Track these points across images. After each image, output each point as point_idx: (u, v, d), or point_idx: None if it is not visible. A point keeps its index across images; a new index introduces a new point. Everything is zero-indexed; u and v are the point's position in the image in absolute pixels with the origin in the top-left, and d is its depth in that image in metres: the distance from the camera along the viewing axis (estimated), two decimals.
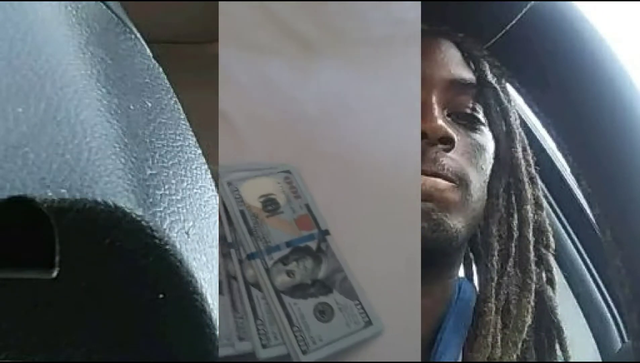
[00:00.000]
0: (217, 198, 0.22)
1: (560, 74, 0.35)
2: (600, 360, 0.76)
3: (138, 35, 0.24)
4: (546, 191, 0.73)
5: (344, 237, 0.47)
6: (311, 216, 0.46)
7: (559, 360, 0.51)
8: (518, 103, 0.54)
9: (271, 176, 0.47)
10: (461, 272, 0.55)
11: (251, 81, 0.48)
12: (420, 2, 0.46)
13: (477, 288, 0.53)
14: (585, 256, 0.81)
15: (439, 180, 0.47)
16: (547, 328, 0.51)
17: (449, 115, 0.50)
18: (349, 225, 0.48)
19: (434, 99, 0.49)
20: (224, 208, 0.45)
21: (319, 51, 0.47)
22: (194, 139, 0.22)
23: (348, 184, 0.48)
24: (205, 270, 0.18)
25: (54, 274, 0.16)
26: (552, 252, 0.52)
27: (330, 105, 0.47)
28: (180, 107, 0.23)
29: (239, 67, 0.49)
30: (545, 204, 0.54)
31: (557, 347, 0.51)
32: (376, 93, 0.48)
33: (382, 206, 0.49)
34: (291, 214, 0.45)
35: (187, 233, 0.18)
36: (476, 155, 0.50)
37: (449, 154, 0.48)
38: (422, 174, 0.47)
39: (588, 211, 0.62)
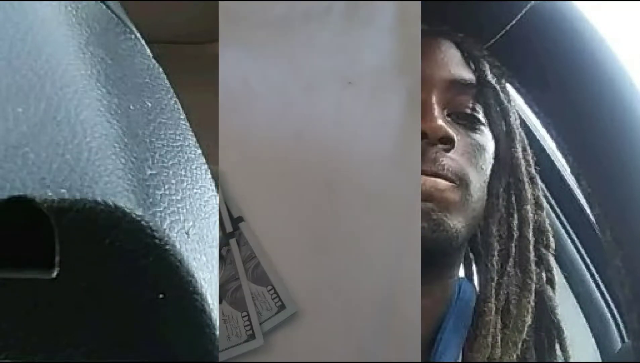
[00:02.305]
0: (217, 198, 0.22)
1: (560, 74, 0.35)
2: (600, 360, 0.76)
3: (138, 35, 0.24)
4: (546, 191, 0.73)
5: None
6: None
7: (559, 360, 0.51)
8: (518, 103, 0.54)
9: None
10: (461, 272, 0.55)
11: None
12: (420, 2, 0.46)
13: (477, 288, 0.53)
14: (585, 256, 0.81)
15: (439, 180, 0.47)
16: (547, 328, 0.51)
17: (449, 115, 0.50)
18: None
19: (434, 99, 0.49)
20: None
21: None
22: (194, 139, 0.22)
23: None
24: (205, 270, 0.18)
25: (54, 274, 0.16)
26: (552, 252, 0.52)
27: (237, 91, 0.47)
28: (180, 107, 0.23)
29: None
30: (545, 204, 0.54)
31: (557, 347, 0.51)
32: (278, 74, 0.48)
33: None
34: None
35: (187, 233, 0.18)
36: (476, 155, 0.50)
37: (449, 154, 0.48)
38: (422, 174, 0.47)
39: (588, 211, 0.62)
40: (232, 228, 0.46)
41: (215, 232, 0.20)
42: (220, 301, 0.43)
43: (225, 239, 0.46)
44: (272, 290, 0.44)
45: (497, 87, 0.52)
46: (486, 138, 0.52)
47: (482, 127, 0.52)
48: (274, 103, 0.47)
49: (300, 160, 0.47)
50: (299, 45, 0.48)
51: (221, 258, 0.45)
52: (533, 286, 0.50)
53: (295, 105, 0.47)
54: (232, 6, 0.47)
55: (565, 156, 0.36)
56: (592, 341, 0.78)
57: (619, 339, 0.77)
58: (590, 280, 0.80)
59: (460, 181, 0.48)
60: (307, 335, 0.45)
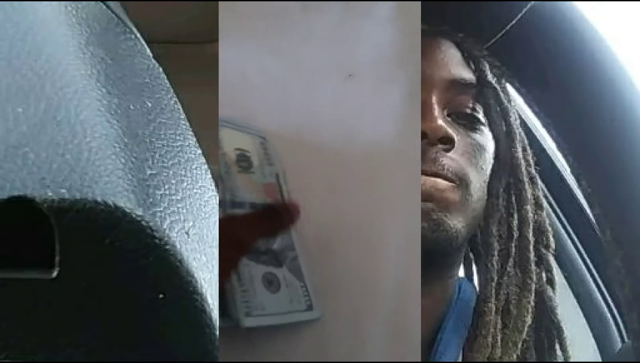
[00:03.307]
0: (217, 198, 0.22)
1: (560, 74, 0.35)
2: (600, 360, 0.76)
3: (138, 35, 0.24)
4: (546, 191, 0.73)
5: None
6: (279, 186, 0.45)
7: (559, 360, 0.51)
8: (518, 103, 0.54)
9: (249, 135, 0.46)
10: (461, 272, 0.55)
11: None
12: (420, 2, 0.46)
13: (477, 288, 0.53)
14: (585, 256, 0.81)
15: (439, 180, 0.47)
16: (547, 328, 0.51)
17: (449, 115, 0.50)
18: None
19: (434, 99, 0.49)
20: None
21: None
22: (194, 139, 0.22)
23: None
24: (205, 270, 0.18)
25: (54, 274, 0.16)
26: (552, 252, 0.53)
27: (235, 84, 0.47)
28: (180, 107, 0.23)
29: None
30: (545, 204, 0.54)
31: (557, 347, 0.51)
32: (277, 66, 0.48)
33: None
34: (262, 178, 0.44)
35: (187, 233, 0.18)
36: (476, 155, 0.50)
37: (449, 154, 0.48)
38: (422, 174, 0.47)
39: (588, 211, 0.62)
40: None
41: (215, 232, 0.20)
42: (280, 265, 0.43)
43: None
44: (305, 288, 0.44)
45: (497, 87, 0.52)
46: (486, 138, 0.52)
47: (482, 127, 0.52)
48: (273, 96, 0.47)
49: (300, 155, 0.47)
50: (298, 36, 0.48)
51: None
52: (533, 286, 0.50)
53: (295, 98, 0.47)
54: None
55: (565, 156, 0.36)
56: (592, 341, 0.78)
57: (619, 339, 0.77)
58: (590, 280, 0.80)
59: (460, 181, 0.48)
60: (307, 335, 0.45)
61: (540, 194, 0.54)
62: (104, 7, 0.23)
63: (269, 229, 0.43)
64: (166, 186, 0.19)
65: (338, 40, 0.48)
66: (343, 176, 0.47)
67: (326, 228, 0.46)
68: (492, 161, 0.52)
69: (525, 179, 0.52)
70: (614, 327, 0.78)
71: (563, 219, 0.81)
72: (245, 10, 0.47)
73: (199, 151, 0.22)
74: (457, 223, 0.48)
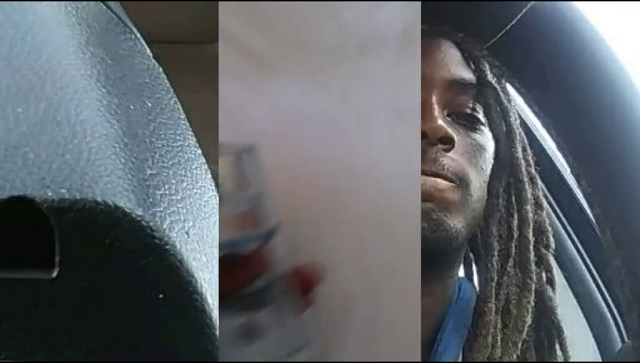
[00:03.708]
0: (217, 197, 0.22)
1: (560, 74, 0.35)
2: (600, 360, 0.76)
3: (138, 35, 0.24)
4: (546, 191, 0.73)
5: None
6: (257, 212, 0.39)
7: (559, 360, 0.51)
8: (518, 103, 0.54)
9: (220, 157, 0.39)
10: (461, 272, 0.55)
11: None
12: (420, 2, 0.46)
13: (477, 288, 0.53)
14: (585, 256, 0.81)
15: (439, 180, 0.47)
16: (547, 328, 0.51)
17: (449, 115, 0.50)
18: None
19: (434, 99, 0.49)
20: None
21: (273, 66, 0.47)
22: (194, 139, 0.22)
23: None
24: (205, 270, 0.18)
25: (54, 274, 0.16)
26: (552, 252, 0.53)
27: (289, 119, 0.47)
28: (180, 107, 0.23)
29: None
30: (545, 204, 0.54)
31: (557, 347, 0.51)
32: (331, 103, 0.48)
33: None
34: (235, 207, 0.38)
35: (187, 233, 0.18)
36: (476, 155, 0.50)
37: (449, 154, 0.48)
38: (422, 174, 0.47)
39: (588, 211, 0.62)
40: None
41: (215, 232, 0.20)
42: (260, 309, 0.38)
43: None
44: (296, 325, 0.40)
45: (497, 87, 0.52)
46: (486, 138, 0.52)
47: (482, 127, 0.52)
48: (324, 134, 0.46)
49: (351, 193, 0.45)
50: (352, 76, 0.47)
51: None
52: (533, 286, 0.50)
53: (346, 137, 0.46)
54: (287, 33, 0.46)
55: (565, 156, 0.36)
56: (592, 341, 0.78)
57: (619, 339, 0.77)
58: (590, 280, 0.81)
59: (460, 181, 0.48)
60: None
61: (540, 194, 0.54)
62: (104, 7, 0.23)
63: (245, 278, 0.38)
64: (166, 186, 0.19)
65: (391, 81, 0.47)
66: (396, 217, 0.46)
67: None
68: (492, 161, 0.52)
69: (525, 179, 0.52)
70: (614, 327, 0.78)
71: (563, 219, 0.81)
72: (302, 47, 0.47)
73: (199, 151, 0.22)
74: (457, 223, 0.48)
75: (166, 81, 0.23)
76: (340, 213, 0.46)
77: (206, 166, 0.22)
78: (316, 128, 0.46)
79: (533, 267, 0.50)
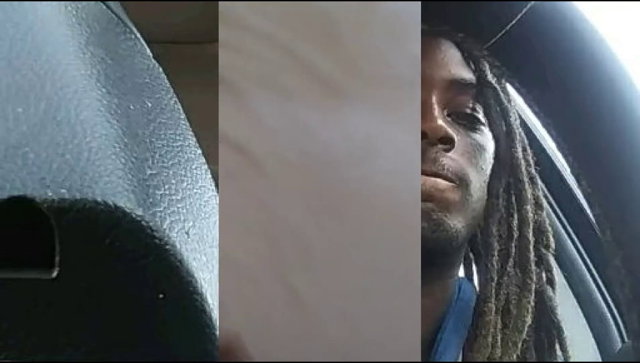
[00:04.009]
0: (217, 197, 0.22)
1: (560, 74, 0.35)
2: (600, 360, 0.76)
3: (138, 35, 0.24)
4: (546, 191, 0.73)
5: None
6: None
7: (559, 360, 0.51)
8: (518, 103, 0.54)
9: None
10: (461, 272, 0.55)
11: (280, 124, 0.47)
12: (420, 2, 0.46)
13: (477, 288, 0.53)
14: (585, 256, 0.81)
15: (439, 180, 0.47)
16: (547, 328, 0.51)
17: (449, 115, 0.50)
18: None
19: (434, 99, 0.49)
20: None
21: (342, 92, 0.47)
22: (194, 139, 0.22)
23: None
24: (205, 270, 0.18)
25: (54, 274, 0.16)
26: (552, 252, 0.53)
27: (357, 147, 0.47)
28: (180, 107, 0.23)
29: (267, 109, 0.48)
30: (545, 204, 0.54)
31: (557, 347, 0.51)
32: (400, 134, 0.48)
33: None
34: None
35: (187, 233, 0.18)
36: (476, 155, 0.50)
37: (449, 154, 0.48)
38: (422, 174, 0.47)
39: (588, 211, 0.62)
40: None
41: (215, 232, 0.20)
42: None
43: None
44: None
45: (497, 87, 0.52)
46: (486, 138, 0.52)
47: (482, 127, 0.52)
48: (396, 164, 0.46)
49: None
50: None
51: None
52: (533, 286, 0.50)
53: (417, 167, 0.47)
54: (355, 62, 0.47)
55: (565, 156, 0.36)
56: (592, 341, 0.78)
57: (619, 339, 0.77)
58: (590, 280, 0.81)
59: (460, 181, 0.48)
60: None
61: (540, 194, 0.54)
62: (104, 7, 0.23)
63: None
64: (166, 186, 0.19)
65: None
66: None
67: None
68: (492, 161, 0.52)
69: (525, 179, 0.52)
70: (614, 327, 0.78)
71: (563, 219, 0.81)
72: (373, 76, 0.47)
73: (199, 151, 0.22)
74: (457, 223, 0.48)
75: (166, 81, 0.23)
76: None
77: (206, 166, 0.22)
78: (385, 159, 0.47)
79: (533, 267, 0.50)
